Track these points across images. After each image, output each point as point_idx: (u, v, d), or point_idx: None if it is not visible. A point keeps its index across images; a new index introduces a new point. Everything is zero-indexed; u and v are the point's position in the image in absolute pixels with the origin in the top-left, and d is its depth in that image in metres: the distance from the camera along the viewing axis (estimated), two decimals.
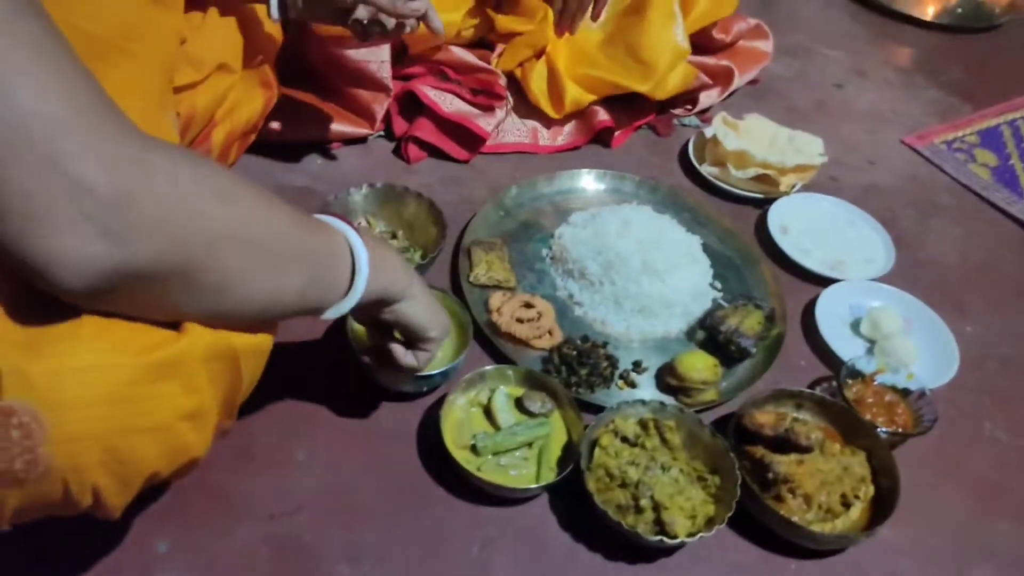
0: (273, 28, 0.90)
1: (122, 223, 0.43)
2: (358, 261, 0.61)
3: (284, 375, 0.85)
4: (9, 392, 0.46)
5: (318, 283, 0.59)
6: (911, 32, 1.75)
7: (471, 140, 1.20)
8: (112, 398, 0.48)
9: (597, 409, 0.89)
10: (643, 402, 0.87)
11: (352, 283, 0.61)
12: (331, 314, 0.62)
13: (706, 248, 1.12)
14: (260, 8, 0.87)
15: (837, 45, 1.66)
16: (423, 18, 0.91)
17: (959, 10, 1.85)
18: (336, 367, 0.89)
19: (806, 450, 0.86)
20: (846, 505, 0.84)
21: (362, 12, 0.88)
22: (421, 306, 0.71)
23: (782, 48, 1.60)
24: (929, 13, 1.81)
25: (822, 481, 0.84)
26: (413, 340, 0.75)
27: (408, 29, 0.92)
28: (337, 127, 1.16)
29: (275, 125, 1.11)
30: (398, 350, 0.75)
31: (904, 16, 1.77)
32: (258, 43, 0.89)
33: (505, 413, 0.86)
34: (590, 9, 1.18)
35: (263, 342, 0.59)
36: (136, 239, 0.44)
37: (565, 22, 1.20)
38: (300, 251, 0.56)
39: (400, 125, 1.20)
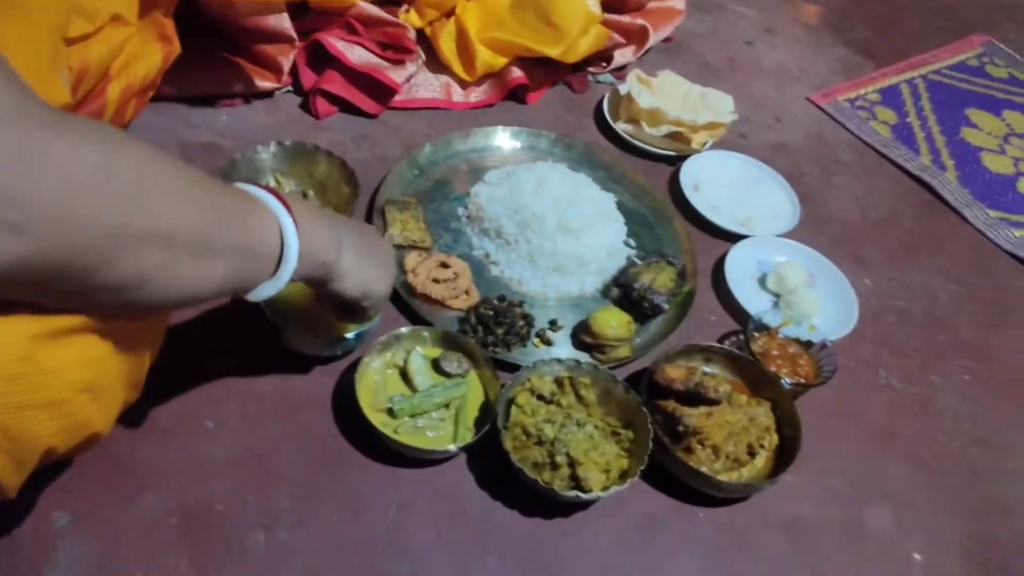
0: None
1: (17, 216, 0.38)
2: (287, 248, 0.56)
3: (191, 341, 0.83)
4: None
5: (242, 271, 0.54)
6: None
7: (382, 93, 1.17)
8: (3, 374, 0.46)
9: (514, 368, 0.89)
10: (559, 360, 0.88)
11: (278, 269, 0.57)
12: (252, 297, 0.58)
13: (620, 206, 1.12)
14: None
15: (749, 2, 1.68)
16: None
17: None
18: (246, 331, 0.87)
19: (714, 403, 0.88)
20: (752, 454, 0.87)
21: None
22: (351, 281, 0.66)
23: (696, 4, 1.61)
24: None
25: (729, 432, 0.87)
26: (346, 310, 0.73)
27: None
28: (241, 81, 1.11)
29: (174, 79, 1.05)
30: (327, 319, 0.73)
31: None
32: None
33: (422, 375, 0.85)
34: None
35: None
36: (34, 233, 0.39)
37: None
38: (224, 242, 0.51)
39: (308, 77, 1.16)
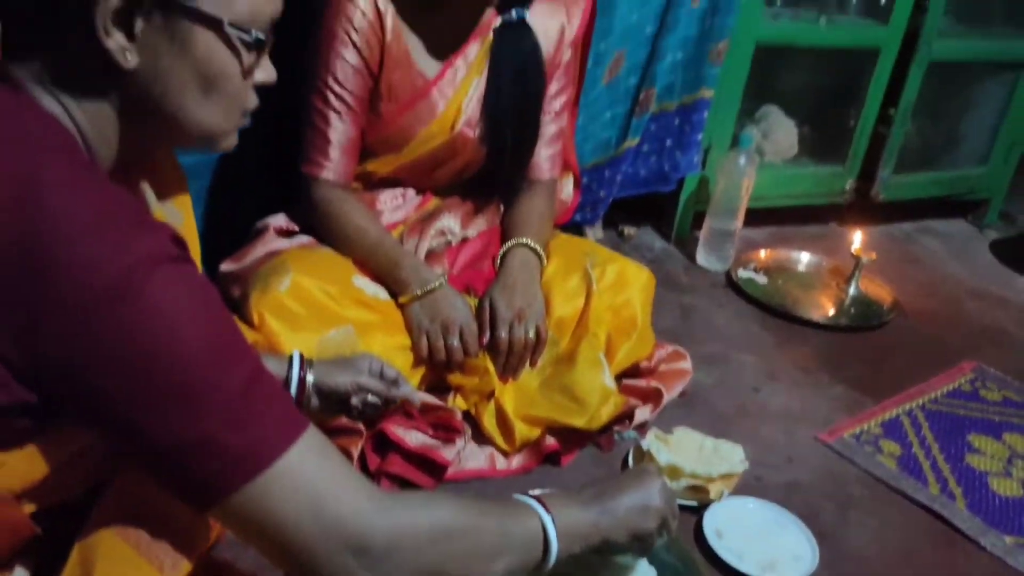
0: None
1: (388, 567, 0.70)
2: (550, 543, 0.83)
3: None
4: None
5: (520, 562, 0.82)
6: (812, 334, 2.02)
7: (435, 468, 1.36)
8: None
9: None
10: None
11: (545, 556, 0.84)
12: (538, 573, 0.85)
13: (652, 556, 1.24)
14: None
15: (750, 350, 1.92)
16: (407, 398, 1.14)
17: (852, 310, 2.16)
18: None
19: None
20: None
21: (356, 400, 1.10)
22: (618, 534, 0.92)
23: (703, 357, 1.85)
24: (826, 316, 2.11)
25: None
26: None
27: (393, 406, 1.14)
28: None
29: None
30: None
31: (804, 320, 2.06)
32: None
33: None
34: (528, 358, 1.42)
35: None
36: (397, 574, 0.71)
37: (508, 372, 1.43)
38: (507, 547, 0.80)
39: (373, 461, 1.37)
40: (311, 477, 0.69)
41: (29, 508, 0.69)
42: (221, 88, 0.74)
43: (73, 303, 0.60)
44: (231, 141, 0.81)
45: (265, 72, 0.79)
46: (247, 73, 0.76)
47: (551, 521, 0.84)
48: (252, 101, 0.80)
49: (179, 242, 0.67)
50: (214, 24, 0.71)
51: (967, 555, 1.38)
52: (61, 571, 0.70)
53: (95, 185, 0.65)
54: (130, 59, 0.69)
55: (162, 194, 0.88)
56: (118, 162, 0.76)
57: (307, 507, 0.68)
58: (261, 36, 0.74)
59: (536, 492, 0.91)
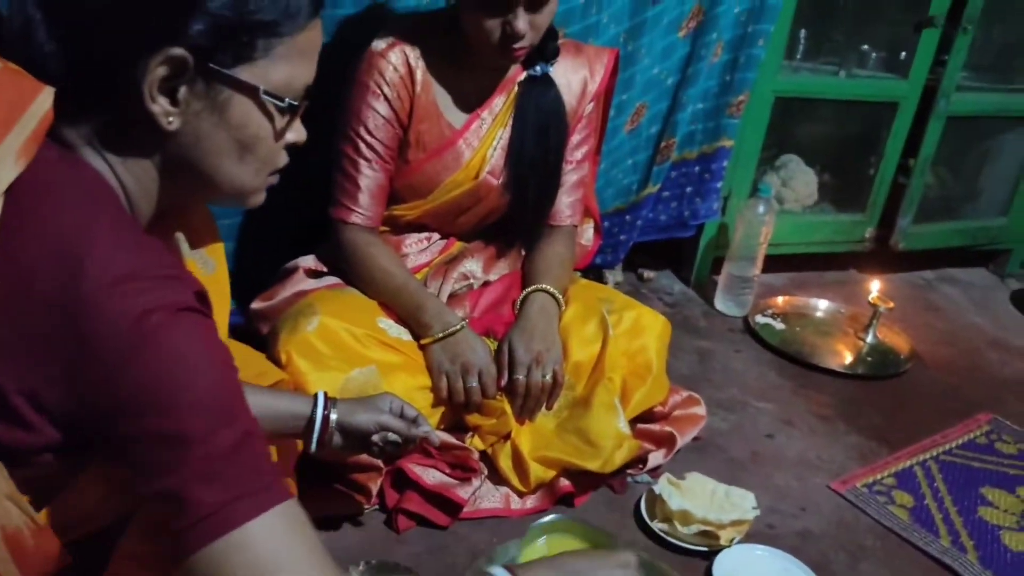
0: (297, 443, 1.15)
1: None
2: None
3: None
4: None
5: None
6: (829, 381, 2.04)
7: (451, 507, 1.40)
8: None
9: None
10: None
11: None
12: None
13: None
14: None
15: (766, 397, 1.94)
16: (426, 436, 1.18)
17: (869, 359, 2.17)
18: None
19: None
20: None
21: (377, 438, 1.15)
22: None
23: (719, 402, 1.87)
24: (843, 364, 2.13)
25: None
26: None
27: (413, 445, 1.18)
28: (338, 503, 1.36)
29: None
30: None
31: (821, 368, 2.08)
32: (286, 459, 1.13)
33: None
34: (545, 401, 1.47)
35: None
36: None
37: (525, 414, 1.47)
38: None
39: (391, 497, 1.41)
40: (274, 552, 0.66)
41: (71, 536, 0.74)
42: (255, 150, 0.80)
43: (104, 349, 0.65)
44: (260, 198, 0.86)
45: (296, 133, 0.84)
46: (279, 136, 0.81)
47: None
48: (282, 160, 0.85)
49: (203, 298, 0.71)
50: (251, 92, 0.76)
51: None
52: None
53: (134, 241, 0.71)
54: (173, 122, 0.74)
55: (195, 243, 0.94)
56: (155, 215, 0.82)
57: None
58: (295, 103, 0.80)
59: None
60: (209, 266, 0.95)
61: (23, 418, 0.66)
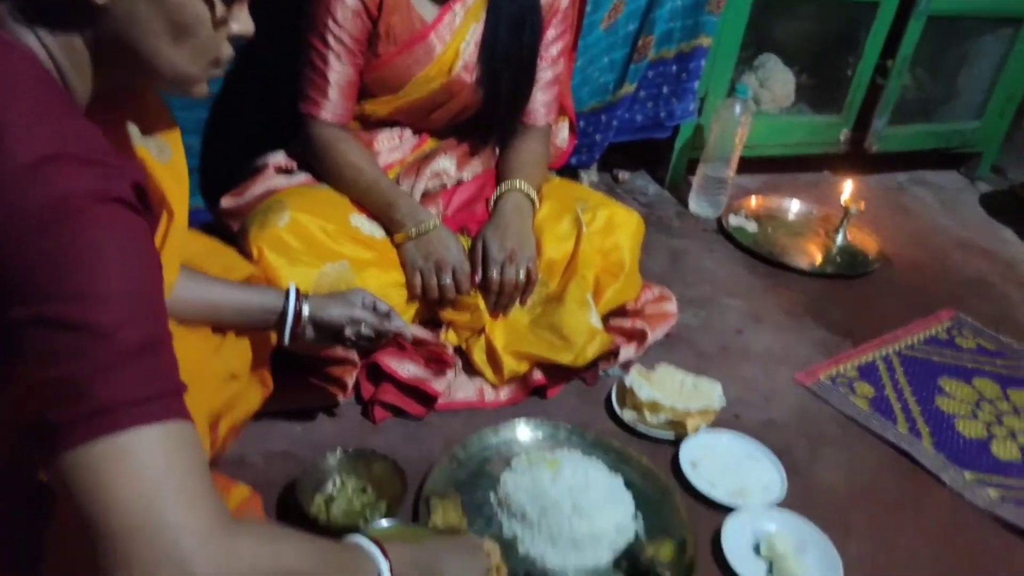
0: (271, 336, 1.16)
1: None
2: None
3: None
4: None
5: None
6: (798, 280, 2.08)
7: (426, 399, 1.43)
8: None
9: None
10: None
11: None
12: None
13: (628, 484, 1.32)
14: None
15: (736, 295, 1.97)
16: (398, 331, 1.20)
17: (838, 259, 2.21)
18: None
19: None
20: None
21: (350, 331, 1.16)
22: None
23: (690, 299, 1.91)
24: (813, 263, 2.17)
25: None
26: None
27: (386, 340, 1.20)
28: (314, 397, 1.38)
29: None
30: None
31: (792, 267, 2.11)
32: (261, 351, 1.14)
33: None
34: (518, 298, 1.48)
35: None
36: None
37: (498, 310, 1.49)
38: None
39: (367, 390, 1.44)
40: (160, 467, 0.62)
41: None
42: (192, 36, 0.76)
43: (16, 229, 0.61)
44: (202, 89, 0.82)
45: (241, 24, 0.80)
46: (218, 24, 0.78)
47: (387, 567, 0.81)
48: (226, 51, 0.81)
49: (140, 192, 0.68)
50: None
51: (928, 489, 1.46)
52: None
53: (63, 121, 0.67)
54: None
55: (147, 129, 0.90)
56: (95, 98, 0.79)
57: (142, 498, 0.61)
58: None
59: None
60: (165, 153, 0.92)
61: None
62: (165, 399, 0.64)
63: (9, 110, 0.64)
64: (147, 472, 0.61)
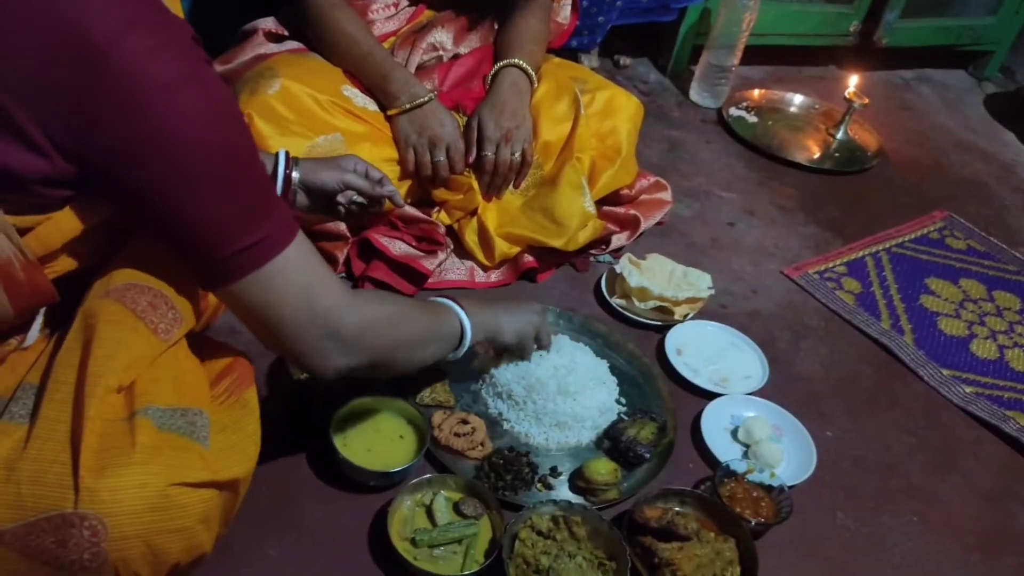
0: None
1: (354, 350, 0.87)
2: (465, 332, 1.07)
3: (265, 476, 1.04)
4: (83, 504, 0.65)
5: (445, 348, 1.06)
6: (795, 175, 2.06)
7: (417, 277, 1.43)
8: (153, 507, 0.68)
9: (520, 508, 1.09)
10: (554, 501, 1.08)
11: (461, 341, 1.07)
12: (451, 358, 1.09)
13: (614, 368, 1.35)
14: None
15: (731, 188, 1.96)
16: (390, 197, 1.18)
17: (836, 154, 2.18)
18: (311, 468, 1.09)
19: (685, 538, 1.07)
20: None
21: (342, 198, 1.15)
22: (505, 335, 1.17)
23: (685, 190, 1.89)
24: (811, 158, 2.14)
25: (698, 564, 1.04)
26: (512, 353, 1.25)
27: (378, 207, 1.18)
28: None
29: None
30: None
31: (789, 161, 2.09)
32: None
33: (442, 514, 1.06)
34: (512, 179, 1.46)
35: (250, 470, 0.80)
36: (360, 356, 0.88)
37: (492, 191, 1.47)
38: (437, 335, 1.03)
39: (358, 267, 1.43)
40: (305, 272, 0.81)
41: (49, 274, 0.75)
42: None
43: (125, 92, 0.66)
44: None
45: None
46: None
47: (466, 317, 1.07)
48: None
49: (198, 40, 0.73)
50: None
51: (905, 383, 1.49)
52: (66, 333, 0.77)
53: None
54: None
55: None
56: None
57: (301, 297, 0.81)
58: None
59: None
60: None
61: (40, 147, 0.67)
62: (287, 219, 0.80)
63: None
64: (297, 281, 0.80)
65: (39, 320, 0.79)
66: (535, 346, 1.24)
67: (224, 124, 0.73)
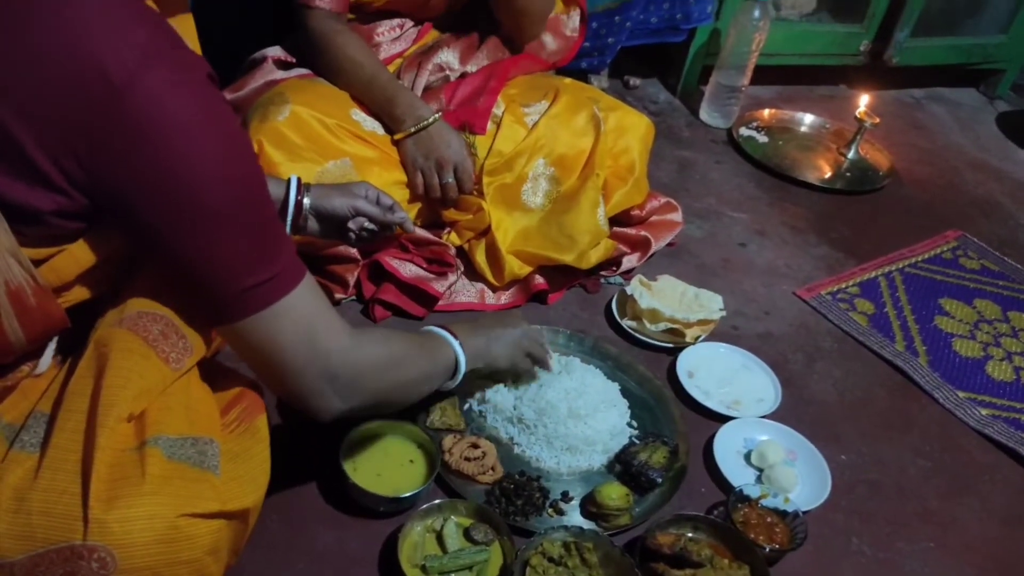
0: None
1: (352, 392, 0.88)
2: (459, 364, 1.08)
3: (275, 502, 1.04)
4: (92, 535, 0.65)
5: (441, 381, 1.07)
6: (806, 195, 2.05)
7: (427, 300, 1.43)
8: (162, 539, 0.68)
9: (531, 534, 1.07)
10: (566, 527, 1.07)
11: (455, 374, 1.08)
12: (444, 388, 1.10)
13: (625, 391, 1.34)
14: None
15: (742, 208, 1.95)
16: (401, 224, 1.18)
17: (848, 174, 2.17)
18: (320, 493, 1.08)
19: (698, 565, 1.05)
20: None
21: (353, 224, 1.15)
22: (499, 362, 1.17)
23: (695, 211, 1.89)
24: (822, 178, 2.13)
25: None
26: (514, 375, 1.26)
27: (389, 232, 1.18)
28: None
29: None
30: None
31: (800, 181, 2.08)
32: None
33: (452, 540, 1.05)
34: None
35: (259, 500, 0.79)
36: (357, 398, 0.89)
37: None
38: (435, 373, 1.05)
39: (368, 289, 1.43)
40: (310, 313, 0.82)
41: (63, 303, 0.76)
42: None
43: (140, 129, 0.67)
44: None
45: None
46: None
47: (461, 349, 1.08)
48: None
49: (213, 78, 0.74)
50: None
51: (920, 406, 1.48)
52: (79, 361, 0.77)
53: (137, 18, 0.69)
54: None
55: (165, 10, 0.88)
56: None
57: (304, 338, 0.81)
58: None
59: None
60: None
61: (54, 180, 0.67)
62: (294, 259, 0.81)
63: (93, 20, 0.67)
64: (302, 319, 0.80)
65: (52, 347, 0.79)
66: (531, 365, 1.24)
67: (238, 164, 0.74)
